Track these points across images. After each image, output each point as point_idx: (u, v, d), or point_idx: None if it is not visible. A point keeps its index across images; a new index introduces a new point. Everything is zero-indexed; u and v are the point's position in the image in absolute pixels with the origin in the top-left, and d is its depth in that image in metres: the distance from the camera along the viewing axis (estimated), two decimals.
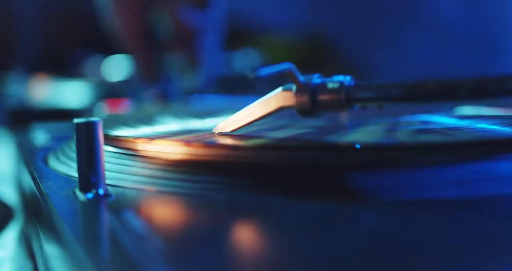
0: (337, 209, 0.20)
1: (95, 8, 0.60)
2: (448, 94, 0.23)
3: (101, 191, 0.22)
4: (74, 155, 0.27)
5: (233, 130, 0.27)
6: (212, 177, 0.23)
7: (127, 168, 0.25)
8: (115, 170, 0.25)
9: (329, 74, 0.27)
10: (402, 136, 0.27)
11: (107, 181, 0.23)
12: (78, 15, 1.27)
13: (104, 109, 0.54)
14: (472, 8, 0.89)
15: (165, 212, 0.21)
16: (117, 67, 0.77)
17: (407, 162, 0.22)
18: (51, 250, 0.22)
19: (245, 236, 0.19)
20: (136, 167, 0.25)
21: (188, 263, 0.16)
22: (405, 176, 0.22)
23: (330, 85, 0.25)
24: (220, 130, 0.28)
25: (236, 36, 0.80)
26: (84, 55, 0.84)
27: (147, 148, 0.26)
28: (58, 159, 0.30)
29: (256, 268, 0.16)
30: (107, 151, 0.26)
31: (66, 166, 0.28)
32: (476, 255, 0.16)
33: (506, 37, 0.91)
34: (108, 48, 0.81)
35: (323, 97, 0.25)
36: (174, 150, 0.24)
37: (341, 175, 0.22)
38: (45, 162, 0.30)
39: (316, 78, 0.26)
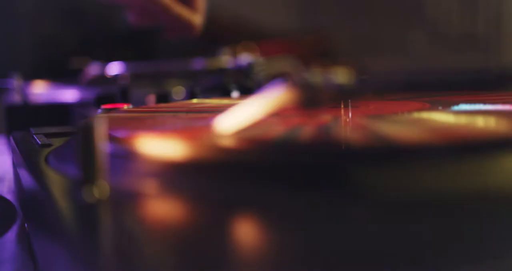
0: (337, 207, 0.20)
1: (95, 15, 0.60)
2: (446, 87, 0.23)
3: (101, 190, 0.22)
4: (74, 155, 0.27)
5: (234, 129, 0.27)
6: (213, 177, 0.23)
7: (129, 167, 0.25)
8: (115, 169, 0.25)
9: (329, 71, 0.27)
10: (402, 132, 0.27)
11: (108, 180, 0.23)
12: (78, 21, 1.27)
13: (104, 113, 0.54)
14: (467, 7, 0.90)
15: (167, 213, 0.21)
16: (117, 73, 0.77)
17: (407, 159, 0.22)
18: (51, 250, 0.21)
19: (246, 235, 0.19)
20: (137, 167, 0.25)
21: (191, 264, 0.16)
22: (405, 173, 0.22)
23: (329, 81, 0.25)
24: (220, 129, 0.28)
25: (238, 41, 0.80)
26: (84, 62, 0.84)
27: (147, 147, 0.26)
28: (58, 159, 0.30)
29: (259, 268, 0.16)
30: (108, 150, 0.26)
31: (66, 166, 0.28)
32: (477, 254, 0.16)
33: (501, 36, 0.92)
34: (108, 55, 0.82)
35: (322, 92, 0.25)
36: (174, 150, 0.24)
37: (342, 172, 0.22)
38: (45, 162, 0.30)
39: (316, 75, 0.26)
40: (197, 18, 0.54)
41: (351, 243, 0.17)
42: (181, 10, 0.52)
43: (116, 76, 0.77)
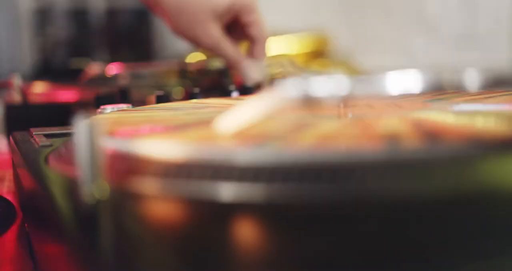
0: (336, 208, 0.20)
1: (95, 15, 0.61)
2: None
3: (101, 190, 0.22)
4: (74, 155, 0.27)
5: (234, 130, 0.27)
6: (212, 178, 0.23)
7: (129, 168, 0.25)
8: (116, 170, 0.25)
9: (328, 71, 0.27)
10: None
11: (108, 181, 0.23)
12: (78, 22, 1.27)
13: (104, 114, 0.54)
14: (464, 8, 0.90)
15: (166, 213, 0.21)
16: (116, 74, 0.78)
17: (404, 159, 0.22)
18: (51, 250, 0.21)
19: (246, 236, 0.19)
20: (138, 167, 0.25)
21: (191, 264, 0.16)
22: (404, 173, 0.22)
23: (327, 80, 0.25)
24: (222, 130, 0.28)
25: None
26: (84, 62, 0.84)
27: (148, 147, 0.26)
28: (58, 159, 0.30)
29: (258, 268, 0.16)
30: (107, 150, 0.26)
31: (66, 166, 0.28)
32: (475, 255, 0.16)
33: (497, 35, 0.92)
34: (108, 56, 0.82)
35: (321, 91, 0.26)
36: (175, 150, 0.24)
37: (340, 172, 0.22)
38: (45, 162, 0.30)
39: (315, 73, 0.26)
40: (255, 73, 0.60)
41: (351, 243, 0.17)
42: (241, 60, 0.60)
43: (116, 76, 0.77)
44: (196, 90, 0.55)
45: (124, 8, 1.39)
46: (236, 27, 0.61)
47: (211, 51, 0.60)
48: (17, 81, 0.66)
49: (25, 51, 1.25)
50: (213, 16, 0.58)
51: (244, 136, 0.26)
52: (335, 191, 0.21)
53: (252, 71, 0.59)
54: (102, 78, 0.80)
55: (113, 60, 0.85)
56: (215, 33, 0.59)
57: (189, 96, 0.55)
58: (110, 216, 0.21)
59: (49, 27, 1.27)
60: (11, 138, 0.41)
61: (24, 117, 0.59)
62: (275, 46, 0.64)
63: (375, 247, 0.17)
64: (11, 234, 0.31)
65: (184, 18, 0.58)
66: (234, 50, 0.59)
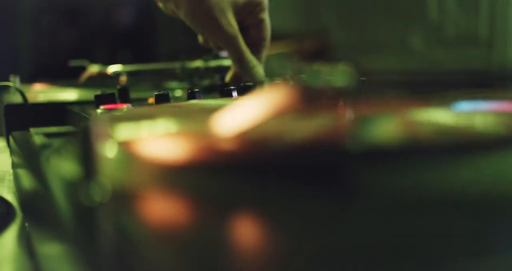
0: (336, 207, 0.20)
1: (95, 16, 0.60)
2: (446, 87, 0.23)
3: (101, 191, 0.22)
4: (74, 156, 0.27)
5: (233, 130, 0.27)
6: (213, 178, 0.23)
7: (129, 168, 0.25)
8: (116, 170, 0.25)
9: (328, 72, 0.27)
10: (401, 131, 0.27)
11: (107, 181, 0.23)
12: (78, 22, 1.28)
13: (104, 114, 0.54)
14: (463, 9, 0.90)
15: (166, 214, 0.21)
16: (116, 74, 0.78)
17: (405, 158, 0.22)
18: (51, 250, 0.22)
19: (246, 236, 0.19)
20: (137, 167, 0.25)
21: (191, 265, 0.16)
22: (404, 172, 0.22)
23: (328, 82, 0.25)
24: (224, 131, 0.28)
25: None
26: (84, 62, 0.85)
27: (147, 147, 0.26)
28: (58, 159, 0.30)
29: (258, 268, 0.16)
30: (108, 151, 0.26)
31: (67, 166, 0.28)
32: (473, 254, 0.16)
33: (501, 36, 0.92)
34: (108, 56, 0.82)
35: (321, 93, 0.26)
36: (175, 150, 0.24)
37: (341, 172, 0.22)
38: (46, 162, 0.30)
39: (315, 75, 0.26)
40: (260, 70, 0.60)
41: (352, 241, 0.17)
42: (248, 56, 0.60)
43: (115, 76, 0.77)
44: (196, 90, 0.55)
45: (124, 7, 1.39)
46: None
47: (228, 44, 0.59)
48: (16, 81, 0.66)
49: (25, 51, 1.25)
50: (232, 9, 0.58)
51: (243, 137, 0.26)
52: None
53: (260, 71, 0.60)
54: (102, 78, 0.80)
55: (113, 60, 0.85)
56: (235, 24, 0.59)
57: (189, 96, 0.55)
58: (110, 216, 0.21)
59: (48, 27, 1.27)
60: (11, 137, 0.41)
61: (24, 117, 0.59)
62: (276, 47, 0.64)
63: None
64: (11, 234, 0.31)
65: (206, 6, 0.58)
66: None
